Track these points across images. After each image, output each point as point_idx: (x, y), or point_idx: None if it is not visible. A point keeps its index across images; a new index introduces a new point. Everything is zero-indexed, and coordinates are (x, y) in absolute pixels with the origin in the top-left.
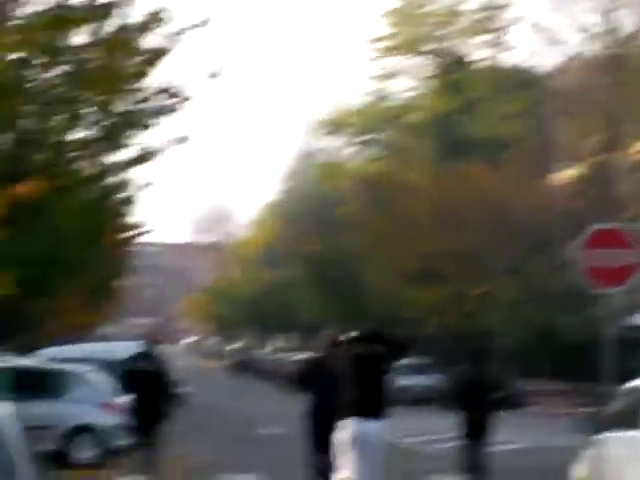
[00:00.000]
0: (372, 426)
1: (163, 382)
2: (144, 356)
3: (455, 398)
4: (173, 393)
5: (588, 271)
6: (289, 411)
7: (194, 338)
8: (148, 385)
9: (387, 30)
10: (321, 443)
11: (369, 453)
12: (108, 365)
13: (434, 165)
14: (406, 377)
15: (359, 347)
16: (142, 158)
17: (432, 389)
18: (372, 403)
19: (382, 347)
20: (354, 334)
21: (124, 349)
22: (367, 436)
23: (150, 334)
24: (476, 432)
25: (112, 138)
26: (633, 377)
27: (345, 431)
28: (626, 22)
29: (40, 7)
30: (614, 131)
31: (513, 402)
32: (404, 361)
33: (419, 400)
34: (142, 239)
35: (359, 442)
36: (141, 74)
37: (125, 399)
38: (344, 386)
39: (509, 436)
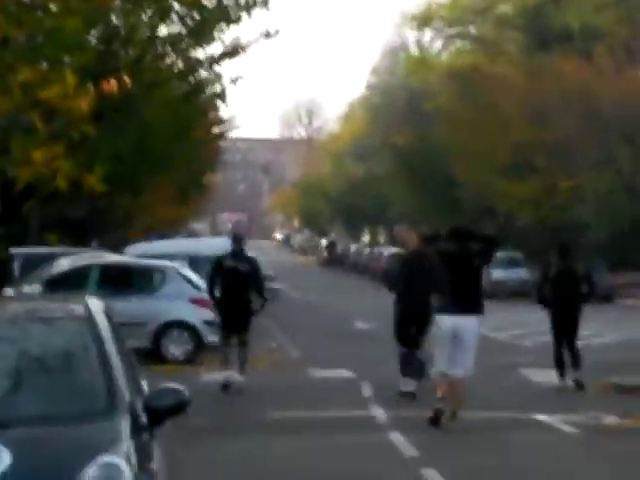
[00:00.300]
0: (468, 322)
1: (253, 279)
2: (233, 254)
3: (545, 291)
4: (262, 289)
5: None
6: (381, 306)
7: (285, 233)
8: (237, 282)
9: None
10: (408, 338)
11: (465, 347)
12: (198, 261)
13: (524, 58)
14: (500, 271)
15: (451, 245)
16: (232, 53)
17: (525, 283)
18: (467, 299)
19: (473, 244)
20: (446, 231)
21: (214, 245)
22: (463, 331)
23: (239, 231)
24: (566, 325)
25: (202, 33)
26: None
27: (442, 326)
28: None
29: None
30: None
31: (604, 295)
32: (498, 255)
33: (513, 293)
34: (232, 134)
35: (456, 337)
36: None
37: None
38: (438, 282)
39: (600, 330)
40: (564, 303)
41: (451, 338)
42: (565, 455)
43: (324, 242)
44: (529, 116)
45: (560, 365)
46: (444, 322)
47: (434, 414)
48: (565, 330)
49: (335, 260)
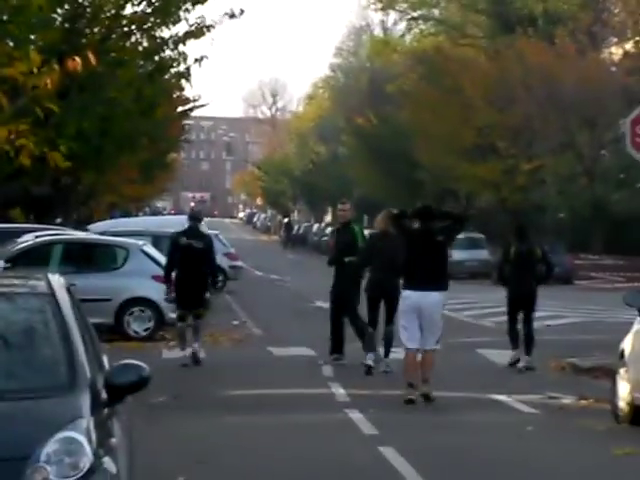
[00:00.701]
0: (431, 297)
1: (209, 257)
2: (189, 231)
3: (505, 272)
4: (214, 268)
5: None
6: None
7: (248, 212)
8: (192, 259)
9: None
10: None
11: (430, 322)
12: (161, 239)
13: (487, 41)
14: (460, 252)
15: (418, 223)
16: (197, 32)
17: (486, 263)
18: (431, 275)
19: (438, 222)
20: (412, 210)
21: (177, 223)
22: (427, 306)
23: (196, 209)
24: (523, 305)
25: (167, 12)
26: None
27: (407, 301)
28: None
29: None
30: None
31: (563, 277)
32: (459, 236)
33: (473, 274)
34: (197, 113)
35: (420, 312)
36: None
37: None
38: (407, 259)
39: (558, 311)
40: (521, 283)
41: (416, 313)
42: (523, 435)
43: (287, 221)
44: (492, 99)
45: (514, 338)
46: (409, 297)
47: (408, 398)
48: (521, 309)
49: (298, 239)
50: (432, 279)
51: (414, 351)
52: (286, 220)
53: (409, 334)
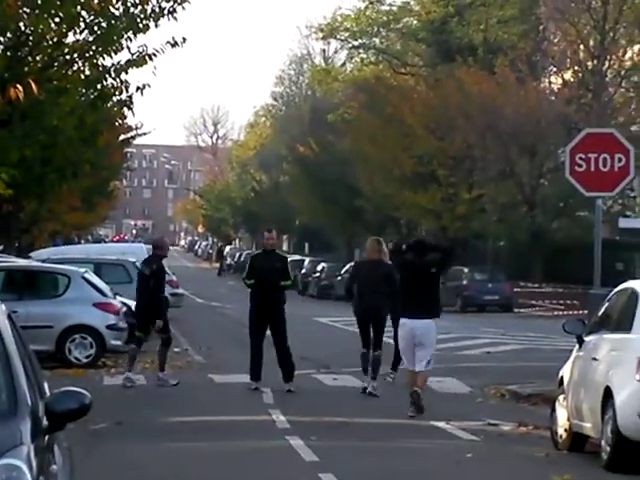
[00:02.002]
0: (424, 324)
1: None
2: (151, 260)
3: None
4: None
5: (579, 175)
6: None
7: (189, 240)
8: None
9: None
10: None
11: (423, 345)
12: (103, 266)
13: (428, 70)
14: None
15: (410, 255)
16: (139, 61)
17: None
18: (424, 304)
19: (431, 254)
20: (407, 244)
21: (118, 251)
22: (421, 332)
23: (157, 239)
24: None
25: (109, 40)
26: (624, 279)
27: (405, 327)
28: None
29: None
30: (607, 36)
31: (503, 304)
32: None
33: None
34: (139, 141)
35: (414, 337)
36: None
37: (119, 300)
38: (403, 289)
39: (499, 338)
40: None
41: (410, 338)
42: (462, 461)
43: (229, 249)
44: (432, 127)
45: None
46: (405, 324)
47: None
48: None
49: (238, 267)
50: (425, 307)
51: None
52: (219, 248)
53: (406, 357)
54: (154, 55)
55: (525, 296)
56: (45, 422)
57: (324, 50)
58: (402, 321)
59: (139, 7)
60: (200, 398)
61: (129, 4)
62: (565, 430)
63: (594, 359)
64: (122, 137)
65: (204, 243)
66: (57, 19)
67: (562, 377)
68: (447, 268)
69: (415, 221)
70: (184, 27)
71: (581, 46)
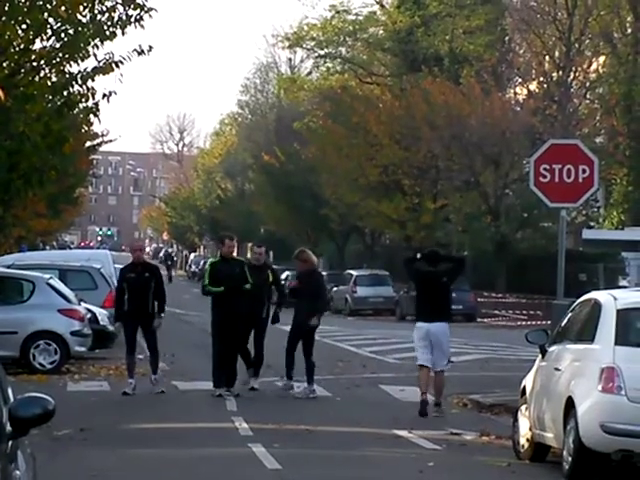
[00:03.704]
0: (439, 327)
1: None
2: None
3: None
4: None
5: (544, 186)
6: None
7: (154, 247)
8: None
9: None
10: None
11: (439, 347)
12: (67, 272)
13: (393, 80)
14: (364, 288)
15: (424, 265)
16: (106, 68)
17: (390, 300)
18: (437, 308)
19: (443, 264)
20: (421, 255)
21: (83, 257)
22: (436, 334)
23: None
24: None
25: (76, 48)
26: (587, 290)
27: (421, 330)
28: None
29: None
30: (573, 47)
31: (467, 314)
32: (363, 272)
33: (378, 310)
34: (105, 148)
35: (430, 339)
36: None
37: (84, 306)
38: (418, 296)
39: (462, 347)
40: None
41: (427, 340)
42: (424, 470)
43: (194, 256)
44: (397, 137)
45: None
46: (421, 328)
47: (422, 399)
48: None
49: (172, 275)
50: (438, 312)
51: (426, 367)
52: (196, 255)
53: (421, 355)
54: (120, 62)
55: (488, 306)
56: (9, 427)
57: (290, 59)
58: (418, 325)
59: (106, 14)
60: (163, 405)
61: (96, 11)
62: (527, 440)
63: (557, 369)
64: (88, 144)
65: (169, 250)
66: (24, 26)
67: (524, 387)
68: (456, 278)
69: (379, 230)
70: (151, 35)
71: (546, 57)
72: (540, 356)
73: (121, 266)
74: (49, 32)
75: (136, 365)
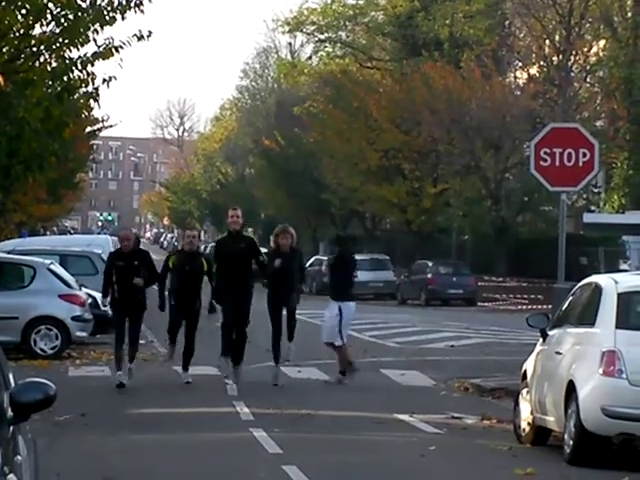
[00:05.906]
0: (350, 304)
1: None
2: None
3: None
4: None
5: (544, 170)
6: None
7: (155, 232)
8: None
9: None
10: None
11: (344, 324)
12: (68, 258)
13: (394, 64)
14: (366, 272)
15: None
16: (106, 53)
17: (391, 284)
18: (347, 289)
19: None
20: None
21: (83, 242)
22: (347, 309)
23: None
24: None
25: (76, 33)
26: (588, 274)
27: (331, 309)
28: None
29: None
30: (573, 31)
31: (467, 298)
32: (364, 257)
33: (378, 294)
34: (105, 133)
35: (338, 316)
36: None
37: (85, 291)
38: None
39: (463, 331)
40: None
41: (336, 317)
42: (426, 454)
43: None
44: (397, 121)
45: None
46: (332, 306)
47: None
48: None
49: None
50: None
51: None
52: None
53: (328, 332)
54: (120, 47)
55: (489, 290)
56: (10, 413)
57: (290, 43)
58: (331, 303)
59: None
60: (164, 390)
61: None
62: (528, 424)
63: (558, 353)
64: (88, 129)
65: (170, 235)
66: (24, 11)
67: (525, 371)
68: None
69: (380, 215)
70: (151, 20)
71: (547, 41)
72: (541, 340)
73: None
74: (49, 17)
75: (137, 352)
